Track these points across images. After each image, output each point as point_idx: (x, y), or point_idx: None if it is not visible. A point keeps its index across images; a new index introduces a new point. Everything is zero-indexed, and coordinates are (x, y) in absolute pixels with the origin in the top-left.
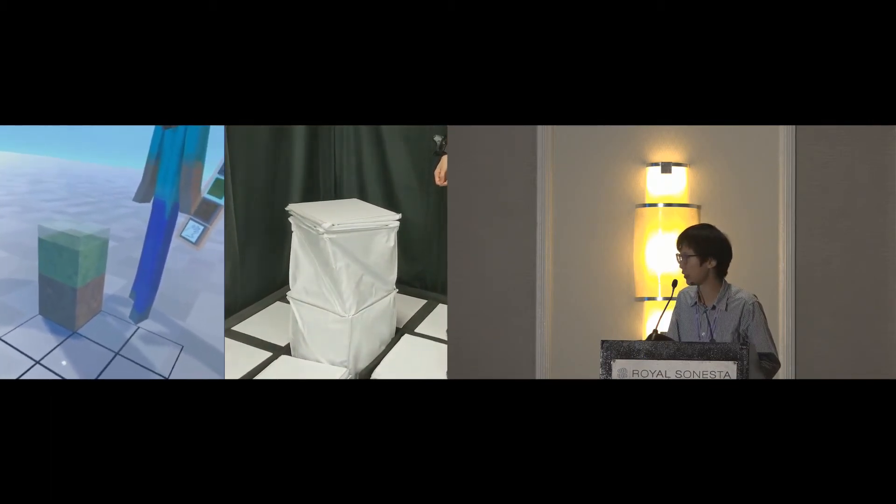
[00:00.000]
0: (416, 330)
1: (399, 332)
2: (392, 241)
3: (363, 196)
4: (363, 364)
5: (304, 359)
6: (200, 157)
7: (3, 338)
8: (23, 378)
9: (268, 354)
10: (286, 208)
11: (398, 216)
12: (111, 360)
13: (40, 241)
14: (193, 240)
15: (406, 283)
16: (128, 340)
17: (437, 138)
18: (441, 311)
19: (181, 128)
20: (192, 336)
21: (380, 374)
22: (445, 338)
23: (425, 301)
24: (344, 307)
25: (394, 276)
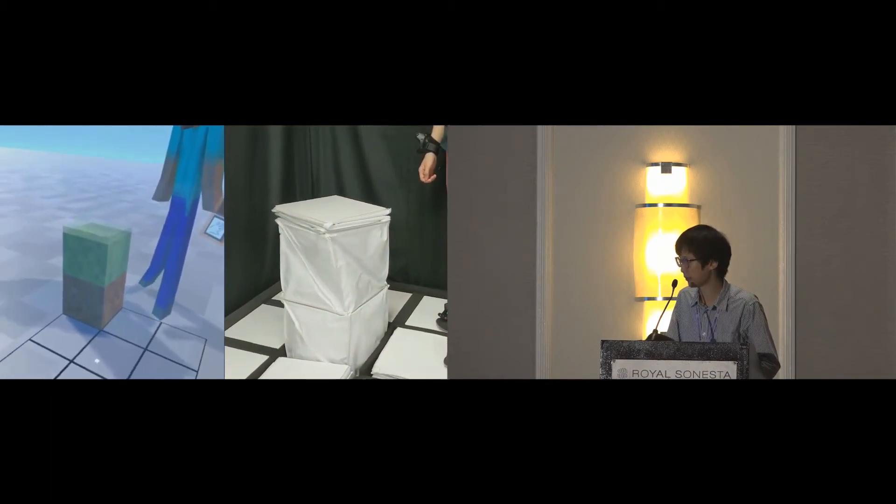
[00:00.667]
0: (407, 323)
1: (391, 326)
2: (385, 235)
3: (342, 194)
4: (362, 360)
5: (303, 359)
6: (221, 155)
7: (33, 339)
8: (58, 378)
9: (264, 357)
10: (273, 210)
11: (388, 210)
12: (141, 356)
13: (65, 241)
14: (219, 237)
15: (390, 278)
16: (153, 336)
17: (420, 136)
18: (428, 302)
19: (202, 128)
20: (214, 328)
21: (380, 367)
22: (436, 328)
23: (410, 294)
24: (343, 305)
25: (386, 272)
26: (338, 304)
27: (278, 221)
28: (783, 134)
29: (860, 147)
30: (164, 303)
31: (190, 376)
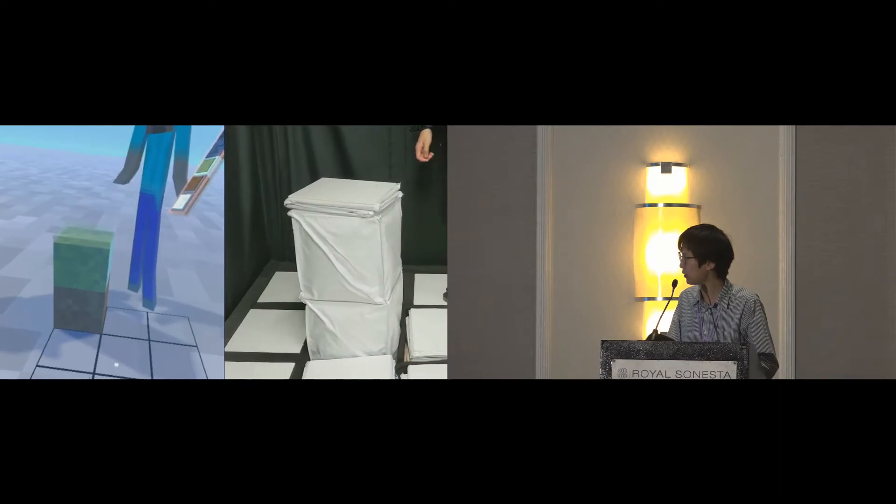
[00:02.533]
0: (415, 303)
1: (402, 308)
2: (401, 212)
3: (315, 177)
4: (395, 347)
5: (337, 357)
6: (187, 152)
7: (40, 364)
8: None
9: (289, 365)
10: (285, 202)
11: (399, 185)
12: (150, 349)
13: (57, 252)
14: (182, 207)
15: None
16: (148, 327)
17: None
18: (422, 280)
19: (167, 134)
20: (187, 307)
21: (419, 351)
22: (444, 302)
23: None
24: (383, 293)
25: (400, 251)
26: (377, 294)
27: (294, 214)
28: (783, 134)
29: (860, 147)
30: (151, 294)
31: (194, 351)
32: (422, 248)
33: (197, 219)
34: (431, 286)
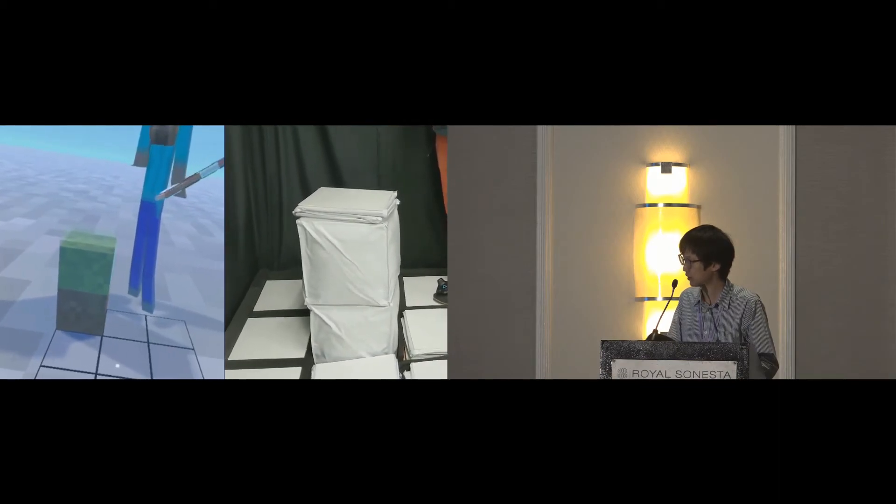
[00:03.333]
0: (408, 304)
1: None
2: (398, 217)
3: (305, 187)
4: (394, 347)
5: (342, 359)
6: (186, 159)
7: (44, 364)
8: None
9: (296, 370)
10: (294, 211)
11: (395, 193)
12: (149, 350)
13: (63, 255)
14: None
15: None
16: (147, 330)
17: None
18: (409, 282)
19: (169, 147)
20: (183, 311)
21: (419, 349)
22: (434, 303)
23: None
24: (387, 296)
25: (399, 254)
26: (382, 296)
27: (303, 222)
28: (783, 134)
29: (860, 147)
30: (150, 297)
31: (190, 353)
32: (410, 252)
33: (192, 226)
34: (421, 287)
